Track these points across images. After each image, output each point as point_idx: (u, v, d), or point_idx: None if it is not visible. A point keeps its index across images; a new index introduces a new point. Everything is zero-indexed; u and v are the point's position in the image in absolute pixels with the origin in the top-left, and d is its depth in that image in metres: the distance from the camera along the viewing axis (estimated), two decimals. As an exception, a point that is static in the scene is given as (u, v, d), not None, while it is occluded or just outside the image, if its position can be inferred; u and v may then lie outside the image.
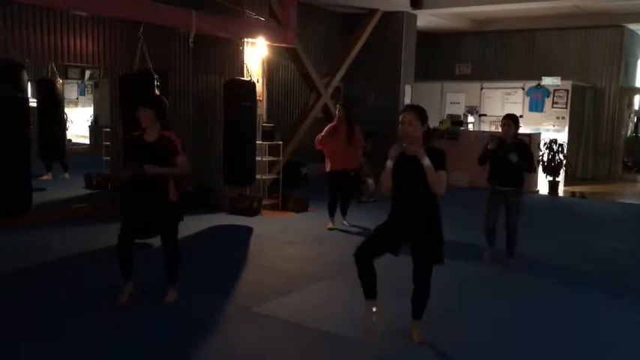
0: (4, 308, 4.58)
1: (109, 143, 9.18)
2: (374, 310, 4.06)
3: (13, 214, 5.75)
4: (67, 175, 10.25)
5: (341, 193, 7.73)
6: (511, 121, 5.90)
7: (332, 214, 7.69)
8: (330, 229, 7.59)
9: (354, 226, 7.71)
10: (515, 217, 5.98)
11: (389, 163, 3.91)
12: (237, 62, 8.41)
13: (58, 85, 9.83)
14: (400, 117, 3.93)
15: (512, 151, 5.79)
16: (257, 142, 8.40)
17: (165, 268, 4.77)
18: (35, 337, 4.08)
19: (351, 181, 7.84)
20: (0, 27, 5.60)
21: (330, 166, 7.58)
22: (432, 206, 3.95)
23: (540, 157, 11.51)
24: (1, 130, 5.30)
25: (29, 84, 5.92)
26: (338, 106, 7.87)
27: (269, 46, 8.85)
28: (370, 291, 4.04)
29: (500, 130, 6.14)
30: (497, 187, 5.93)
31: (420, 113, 3.90)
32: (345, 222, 7.78)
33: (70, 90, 15.12)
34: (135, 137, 4.65)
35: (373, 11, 11.79)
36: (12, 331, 4.14)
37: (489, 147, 5.90)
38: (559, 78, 12.46)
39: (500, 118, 6.18)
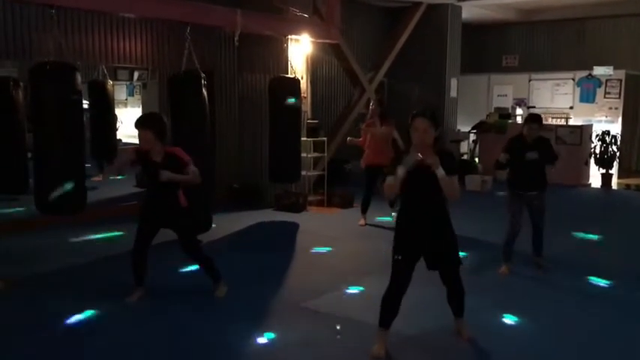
0: (57, 301, 4.75)
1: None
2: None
3: (68, 212, 5.94)
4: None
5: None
6: (537, 124, 5.48)
7: (364, 211, 7.61)
8: (362, 225, 7.54)
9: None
10: (539, 220, 5.63)
11: (401, 171, 3.60)
12: (281, 60, 8.46)
13: (109, 87, 10.10)
14: (413, 123, 3.67)
15: (532, 149, 5.44)
16: (302, 138, 8.44)
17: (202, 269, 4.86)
18: (92, 331, 4.23)
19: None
20: (54, 31, 5.79)
21: (366, 162, 7.51)
22: (445, 211, 3.81)
23: (592, 150, 11.17)
24: (57, 131, 5.48)
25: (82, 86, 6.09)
26: (372, 102, 7.84)
27: (313, 42, 8.87)
28: (388, 322, 3.84)
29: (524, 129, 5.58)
30: (518, 191, 5.54)
31: (433, 119, 3.70)
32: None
33: (120, 91, 15.52)
34: (144, 153, 4.56)
35: (417, 4, 11.66)
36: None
37: (500, 159, 5.49)
38: (611, 67, 12.04)
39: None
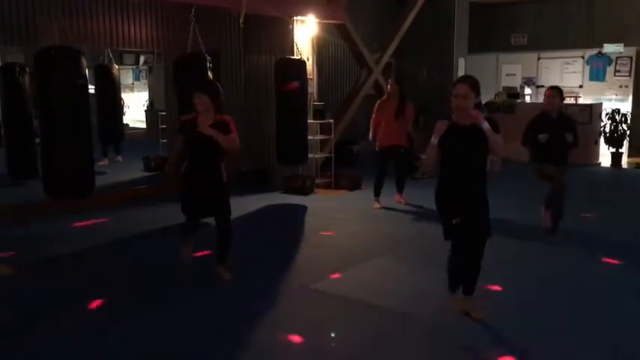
0: (73, 286, 4.79)
1: (164, 126, 9.39)
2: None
3: (77, 196, 5.96)
4: (119, 157, 10.52)
5: (395, 169, 7.62)
6: (557, 92, 5.67)
7: (377, 194, 7.53)
8: (377, 208, 7.47)
9: (410, 204, 7.63)
10: (562, 198, 5.70)
11: (434, 140, 3.79)
12: (287, 41, 8.40)
13: (115, 71, 10.09)
14: (453, 89, 3.83)
15: (559, 126, 5.55)
16: (308, 120, 8.40)
17: (218, 248, 4.87)
18: (110, 314, 4.26)
19: (402, 157, 7.60)
20: (58, 15, 5.76)
21: (379, 144, 7.40)
22: (485, 179, 3.90)
23: (602, 128, 11.06)
24: (64, 116, 5.49)
25: (87, 71, 6.08)
26: (390, 80, 7.70)
27: (318, 23, 8.79)
28: (458, 285, 4.05)
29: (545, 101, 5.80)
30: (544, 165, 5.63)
31: (474, 84, 3.83)
32: (401, 200, 7.67)
33: (126, 76, 15.51)
34: (189, 121, 4.65)
35: (424, -17, 11.49)
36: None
37: (541, 140, 5.54)
38: (622, 45, 11.88)
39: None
